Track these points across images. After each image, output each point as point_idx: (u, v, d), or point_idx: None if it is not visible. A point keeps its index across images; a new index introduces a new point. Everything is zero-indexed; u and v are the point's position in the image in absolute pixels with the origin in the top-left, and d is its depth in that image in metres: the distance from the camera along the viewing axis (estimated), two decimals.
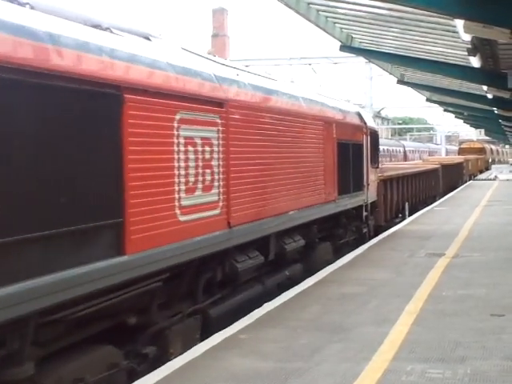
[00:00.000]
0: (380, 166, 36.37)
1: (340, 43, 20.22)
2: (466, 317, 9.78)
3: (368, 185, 19.00)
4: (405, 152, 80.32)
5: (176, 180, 8.44)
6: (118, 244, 7.23)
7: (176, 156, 8.43)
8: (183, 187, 8.58)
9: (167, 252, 8.07)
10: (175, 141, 8.43)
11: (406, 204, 27.43)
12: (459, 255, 15.47)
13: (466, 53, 15.52)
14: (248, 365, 7.76)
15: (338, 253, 16.32)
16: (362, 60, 39.30)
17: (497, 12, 9.72)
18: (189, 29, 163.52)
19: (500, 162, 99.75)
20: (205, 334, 9.37)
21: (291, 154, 12.57)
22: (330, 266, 14.41)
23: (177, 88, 8.55)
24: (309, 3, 16.16)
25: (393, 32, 17.56)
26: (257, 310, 10.41)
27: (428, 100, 39.08)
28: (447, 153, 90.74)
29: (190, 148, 8.79)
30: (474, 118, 47.18)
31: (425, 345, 8.36)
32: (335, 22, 18.53)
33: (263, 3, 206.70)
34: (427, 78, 27.55)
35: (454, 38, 15.51)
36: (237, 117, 10.24)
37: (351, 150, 17.13)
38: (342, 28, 19.23)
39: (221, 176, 9.64)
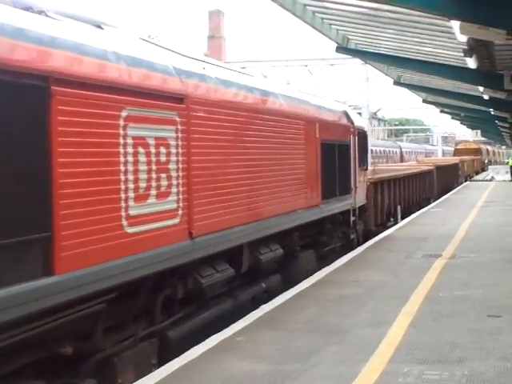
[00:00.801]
0: (373, 167, 36.20)
1: (336, 45, 20.22)
2: (463, 318, 9.77)
3: (356, 188, 18.04)
4: (401, 153, 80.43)
5: (122, 186, 7.35)
6: (46, 262, 6.21)
7: (122, 159, 7.36)
8: (132, 194, 7.51)
9: (111, 269, 7.02)
10: (121, 141, 7.35)
11: (399, 207, 26.61)
12: (456, 256, 15.47)
13: (462, 54, 15.53)
14: (245, 367, 7.75)
15: (323, 261, 15.33)
16: (358, 61, 39.31)
17: (492, 13, 9.73)
18: (185, 31, 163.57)
19: (496, 163, 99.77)
20: (163, 359, 8.42)
21: (267, 156, 11.59)
22: (326, 268, 14.41)
23: (123, 81, 7.46)
24: (305, 5, 16.16)
25: (389, 33, 17.57)
26: (253, 312, 10.40)
27: (424, 101, 39.13)
28: (444, 154, 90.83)
29: (141, 149, 7.74)
30: (470, 119, 47.25)
31: (422, 346, 8.35)
32: (331, 24, 18.54)
33: (259, 5, 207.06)
34: (423, 79, 27.59)
35: (450, 40, 15.52)
36: (200, 114, 9.22)
37: (337, 151, 16.14)
38: (338, 29, 19.25)
39: (180, 181, 8.59)
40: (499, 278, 12.77)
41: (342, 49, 20.62)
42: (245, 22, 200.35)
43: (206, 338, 8.96)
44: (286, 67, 47.23)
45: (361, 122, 20.14)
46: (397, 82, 29.34)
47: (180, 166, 8.61)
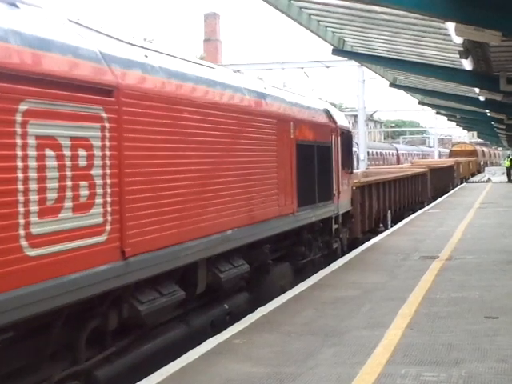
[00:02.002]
0: (365, 169, 35.83)
1: (332, 47, 20.24)
2: (460, 319, 9.77)
3: (339, 193, 16.64)
4: (398, 155, 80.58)
5: (20, 198, 5.97)
6: None
7: (19, 164, 5.99)
8: (35, 208, 6.13)
9: (2, 304, 5.73)
10: (18, 142, 5.99)
11: (388, 213, 25.37)
12: (453, 258, 15.48)
13: (458, 55, 15.55)
14: (242, 370, 7.74)
15: (301, 274, 14.10)
16: (354, 63, 39.34)
17: (487, 15, 9.75)
18: (181, 34, 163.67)
19: (492, 165, 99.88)
20: None
21: (230, 159, 10.36)
22: (323, 270, 14.39)
23: (24, 68, 6.14)
24: (300, 7, 16.17)
25: (385, 35, 17.59)
26: (250, 315, 10.38)
27: (420, 103, 39.15)
28: (440, 155, 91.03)
29: (50, 152, 6.38)
30: (466, 121, 47.26)
31: (419, 348, 8.35)
32: (327, 26, 18.55)
33: (255, 8, 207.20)
34: (419, 81, 27.60)
35: (446, 41, 15.54)
36: (138, 110, 7.86)
37: (316, 152, 14.74)
38: (333, 32, 19.26)
39: (109, 190, 7.19)
40: (496, 279, 12.77)
41: (338, 51, 20.63)
42: (241, 24, 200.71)
43: (150, 373, 7.74)
44: (282, 70, 47.23)
45: (344, 121, 18.66)
46: (393, 84, 29.37)
47: (108, 171, 7.21)
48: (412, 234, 20.27)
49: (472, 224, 22.66)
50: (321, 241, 15.78)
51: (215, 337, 9.14)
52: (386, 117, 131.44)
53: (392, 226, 23.61)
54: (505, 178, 53.39)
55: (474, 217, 25.23)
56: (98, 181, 7.09)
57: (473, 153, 78.69)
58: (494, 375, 7.28)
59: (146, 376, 7.60)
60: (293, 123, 13.27)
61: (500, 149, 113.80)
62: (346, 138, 17.84)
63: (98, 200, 7.07)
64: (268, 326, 9.75)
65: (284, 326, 9.72)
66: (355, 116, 74.30)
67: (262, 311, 10.61)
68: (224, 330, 9.49)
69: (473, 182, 55.77)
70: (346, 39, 20.13)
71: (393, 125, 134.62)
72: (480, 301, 10.96)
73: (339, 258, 16.33)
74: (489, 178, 58.24)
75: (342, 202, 17.06)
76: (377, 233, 21.91)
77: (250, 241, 11.24)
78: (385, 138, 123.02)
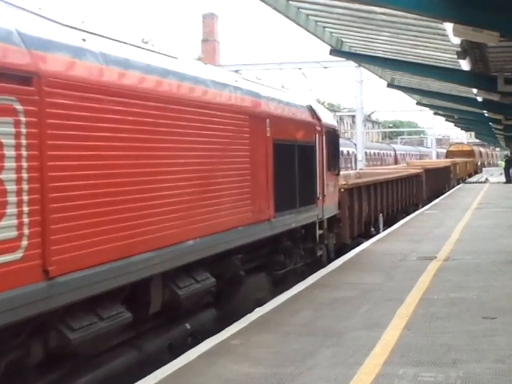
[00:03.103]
0: (358, 170, 35.45)
1: (330, 47, 20.25)
2: (458, 320, 9.77)
3: (324, 196, 15.41)
4: (396, 156, 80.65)
5: None
6: None
7: None
8: None
9: None
10: None
11: (380, 216, 24.15)
12: (451, 258, 15.48)
13: (456, 56, 15.57)
14: (241, 370, 7.74)
15: (281, 285, 13.00)
16: (352, 64, 39.38)
17: (485, 15, 9.75)
18: (179, 34, 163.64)
19: (490, 165, 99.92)
20: None
21: (188, 160, 9.12)
22: (321, 271, 14.39)
23: None
24: (298, 8, 16.18)
25: (383, 36, 17.60)
26: (249, 315, 10.38)
27: (418, 103, 39.21)
28: (438, 156, 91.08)
29: None
30: (464, 121, 47.33)
31: (417, 348, 8.35)
32: (325, 27, 18.56)
33: (253, 8, 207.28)
34: (417, 82, 27.64)
35: (444, 42, 15.55)
36: (66, 102, 6.67)
37: (297, 152, 13.54)
38: (331, 32, 19.27)
39: (25, 197, 6.07)
40: (494, 279, 12.78)
41: (336, 51, 20.64)
42: (239, 25, 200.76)
43: None
44: (279, 70, 47.29)
45: (330, 118, 17.46)
46: (391, 85, 29.39)
47: (25, 175, 6.08)
48: (409, 235, 20.26)
49: (470, 225, 22.67)
50: (303, 248, 14.61)
51: (213, 337, 9.13)
52: (383, 117, 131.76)
53: (384, 230, 22.77)
54: (503, 178, 53.41)
55: (472, 217, 25.23)
56: (11, 186, 5.91)
57: (470, 153, 78.09)
58: (491, 376, 7.28)
59: None
60: (269, 120, 12.12)
61: (498, 149, 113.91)
62: (332, 137, 16.67)
63: (11, 210, 5.91)
64: (266, 326, 9.74)
65: (282, 326, 9.72)
66: (353, 116, 74.47)
67: (260, 311, 10.61)
68: (184, 352, 8.53)
69: (470, 183, 55.79)
70: (344, 40, 20.15)
71: (391, 125, 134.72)
72: (478, 301, 10.96)
73: (325, 265, 15.27)
74: (486, 179, 58.26)
75: (328, 205, 15.88)
76: (369, 237, 20.96)
77: (216, 251, 10.03)
78: (383, 139, 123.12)
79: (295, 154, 13.46)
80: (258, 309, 10.80)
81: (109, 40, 8.01)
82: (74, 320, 6.92)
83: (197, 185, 9.32)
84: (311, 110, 15.23)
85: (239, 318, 10.08)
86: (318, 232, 15.28)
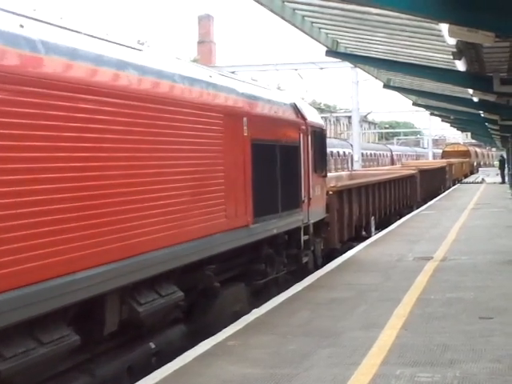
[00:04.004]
0: (351, 172, 35.05)
1: (326, 48, 20.24)
2: (455, 320, 9.79)
3: (309, 199, 14.57)
4: (392, 156, 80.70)
5: None
6: None
7: None
8: None
9: None
10: None
11: (372, 219, 23.34)
12: (447, 259, 15.50)
13: (452, 56, 15.57)
14: (237, 371, 7.75)
15: (261, 296, 12.21)
16: (348, 65, 39.40)
17: (481, 16, 9.75)
18: (175, 36, 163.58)
19: (486, 165, 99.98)
20: None
21: (149, 162, 8.31)
22: (318, 271, 14.40)
23: None
24: (294, 9, 16.17)
25: (378, 37, 17.59)
26: (246, 316, 10.39)
27: (414, 104, 39.17)
28: (434, 156, 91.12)
29: None
30: (460, 122, 47.28)
31: (414, 349, 8.36)
32: (321, 28, 18.55)
33: (249, 9, 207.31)
34: (413, 82, 27.63)
35: (439, 42, 15.54)
36: None
37: (279, 153, 12.74)
38: (327, 33, 19.25)
39: None
40: (490, 280, 12.80)
41: (332, 52, 20.61)
42: (235, 26, 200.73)
43: None
44: (276, 71, 47.28)
45: (316, 117, 16.60)
46: (386, 85, 29.37)
47: None
48: (406, 235, 20.30)
49: (466, 225, 22.71)
50: (286, 255, 13.76)
51: (210, 339, 9.14)
52: (380, 118, 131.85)
53: (376, 233, 22.16)
54: (499, 178, 53.46)
55: (469, 218, 25.27)
56: None
57: (466, 153, 77.79)
58: (488, 376, 7.30)
59: None
60: (247, 119, 11.31)
61: (494, 149, 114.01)
62: (319, 136, 15.83)
63: None
64: (263, 327, 9.75)
65: (279, 327, 9.72)
66: (349, 117, 74.48)
67: (256, 313, 10.62)
68: (147, 374, 7.85)
69: (467, 183, 55.83)
70: (339, 41, 20.13)
71: (387, 126, 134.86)
72: (475, 301, 10.98)
73: (312, 272, 14.53)
74: (483, 179, 58.33)
75: (314, 209, 15.04)
76: (361, 240, 20.34)
77: (183, 263, 9.17)
78: (379, 139, 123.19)
79: (277, 155, 12.71)
80: (254, 310, 10.81)
81: (55, 28, 7.21)
82: (7, 348, 6.10)
83: (161, 189, 8.54)
84: (295, 108, 14.44)
85: (214, 333, 9.39)
86: (303, 238, 14.37)
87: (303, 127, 14.46)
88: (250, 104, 11.65)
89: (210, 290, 10.40)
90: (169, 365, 8.08)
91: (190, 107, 9.38)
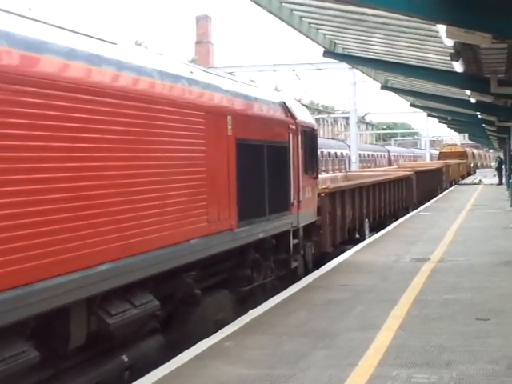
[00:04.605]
0: (346, 173, 34.75)
1: (323, 49, 20.25)
2: (452, 321, 9.79)
3: (299, 202, 13.97)
4: (389, 157, 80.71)
5: None
6: None
7: None
8: None
9: None
10: None
11: (366, 221, 22.71)
12: (444, 260, 15.51)
13: (449, 58, 15.59)
14: (234, 372, 7.74)
15: (247, 303, 11.67)
16: (345, 66, 39.40)
17: (478, 17, 9.76)
18: (173, 36, 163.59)
19: (483, 167, 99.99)
20: None
21: (122, 163, 7.78)
22: (315, 272, 14.38)
23: None
24: (292, 9, 16.18)
25: (376, 38, 17.61)
26: (242, 317, 10.38)
27: (412, 105, 39.22)
28: (432, 157, 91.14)
29: None
30: (457, 123, 47.36)
31: (410, 350, 8.36)
32: (318, 28, 18.56)
33: (247, 10, 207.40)
34: (411, 84, 27.65)
35: (437, 43, 15.57)
36: None
37: (266, 154, 12.18)
38: (325, 34, 19.26)
39: None
40: (487, 281, 12.81)
41: (330, 53, 20.63)
42: (232, 27, 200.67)
43: None
44: (273, 72, 47.31)
45: (307, 116, 15.96)
46: (384, 86, 29.40)
47: None
48: (403, 236, 20.29)
49: (464, 226, 22.71)
50: (274, 260, 13.19)
51: (206, 339, 9.12)
52: (377, 119, 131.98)
53: (370, 236, 21.68)
54: (496, 180, 53.49)
55: (466, 219, 25.27)
56: None
57: (463, 155, 77.49)
58: (485, 377, 7.29)
59: None
60: (231, 117, 10.76)
61: (491, 151, 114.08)
62: (310, 136, 15.19)
63: None
64: (260, 327, 9.75)
65: (276, 327, 9.72)
66: (347, 118, 74.51)
67: (253, 313, 10.61)
68: None
69: (464, 185, 55.87)
70: (337, 41, 20.14)
71: (384, 127, 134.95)
72: (471, 303, 10.98)
73: (301, 277, 14.02)
74: (480, 180, 58.37)
75: (304, 212, 14.47)
76: (355, 243, 19.81)
77: (159, 270, 8.60)
78: (376, 140, 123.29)
79: (264, 155, 12.12)
80: (251, 311, 10.79)
81: (17, 17, 6.69)
82: None
83: (134, 192, 7.95)
84: (284, 106, 13.85)
85: (194, 343, 8.95)
86: (293, 241, 13.88)
87: (293, 127, 13.92)
88: (234, 102, 11.11)
89: (191, 298, 9.86)
90: (165, 365, 8.07)
91: (168, 105, 8.85)
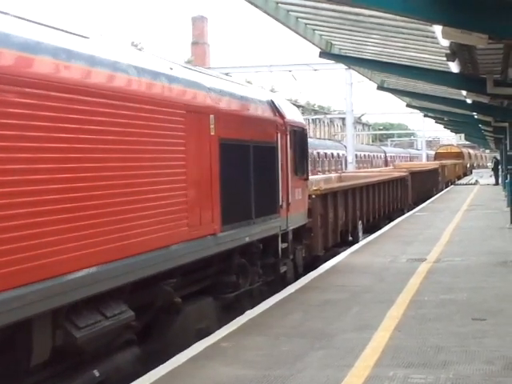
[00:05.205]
0: (340, 174, 34.37)
1: (320, 50, 20.25)
2: (448, 321, 9.80)
3: (288, 204, 13.52)
4: (386, 158, 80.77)
5: None
6: None
7: None
8: None
9: None
10: None
11: (359, 223, 22.26)
12: (441, 260, 15.52)
13: (445, 58, 15.60)
14: (231, 373, 7.74)
15: (233, 310, 11.21)
16: (342, 66, 39.42)
17: (474, 18, 9.77)
18: (169, 37, 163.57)
19: (479, 167, 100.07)
20: None
21: (92, 164, 7.28)
22: (311, 273, 14.38)
23: None
24: (288, 10, 16.18)
25: (372, 38, 17.61)
26: (239, 318, 10.37)
27: (408, 106, 39.22)
28: (428, 158, 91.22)
29: None
30: (454, 123, 47.37)
31: (407, 350, 8.36)
32: (315, 29, 18.56)
33: (243, 11, 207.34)
34: (407, 84, 27.66)
35: (433, 44, 15.57)
36: None
37: (253, 154, 11.72)
38: (321, 35, 19.26)
39: None
40: (484, 281, 12.82)
41: (326, 54, 20.61)
42: (229, 27, 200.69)
43: None
44: (270, 73, 47.33)
45: (296, 115, 15.47)
46: (380, 87, 29.40)
47: None
48: (399, 237, 20.32)
49: (460, 226, 22.73)
50: (262, 265, 12.70)
51: (203, 340, 9.12)
52: (374, 119, 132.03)
53: (363, 238, 21.22)
54: (493, 180, 53.55)
55: (462, 219, 25.30)
56: None
57: (459, 155, 77.28)
58: (481, 377, 7.30)
59: None
60: (214, 116, 10.28)
61: (487, 151, 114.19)
62: (299, 136, 14.72)
63: None
64: (256, 328, 9.74)
65: (272, 328, 9.72)
66: (343, 119, 74.55)
67: (249, 314, 10.61)
68: None
69: (460, 185, 55.91)
70: (333, 42, 20.14)
71: (381, 127, 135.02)
72: (468, 303, 10.99)
73: (291, 282, 13.57)
74: (476, 181, 58.42)
75: (294, 214, 14.00)
76: (348, 245, 19.55)
77: (134, 278, 8.09)
78: (373, 141, 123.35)
79: (250, 156, 11.66)
80: (247, 312, 10.79)
81: None
82: None
83: (106, 195, 7.50)
84: (272, 105, 13.39)
85: (175, 353, 8.55)
86: (282, 245, 13.44)
87: (281, 126, 13.48)
88: (218, 100, 10.62)
89: (171, 307, 9.41)
90: (161, 367, 8.06)
91: (144, 103, 8.36)
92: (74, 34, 7.71)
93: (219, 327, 9.91)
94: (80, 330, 7.15)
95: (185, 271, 9.64)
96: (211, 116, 10.21)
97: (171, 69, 9.56)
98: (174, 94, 9.21)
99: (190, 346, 8.88)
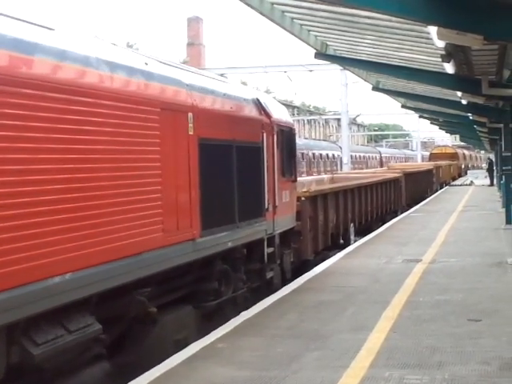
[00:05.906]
0: (332, 175, 34.05)
1: (315, 51, 20.25)
2: (444, 322, 9.80)
3: (275, 207, 13.01)
4: (381, 158, 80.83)
5: None
6: None
7: None
8: None
9: None
10: None
11: (351, 226, 21.71)
12: (436, 261, 15.52)
13: (440, 59, 15.61)
14: (226, 373, 7.73)
15: (216, 318, 10.67)
16: (337, 67, 39.44)
17: (469, 19, 9.78)
18: (164, 38, 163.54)
19: (474, 168, 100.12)
20: None
21: (52, 166, 6.74)
22: (306, 274, 14.37)
23: None
24: (283, 11, 16.18)
25: (367, 39, 17.62)
26: (234, 319, 10.36)
27: (403, 106, 39.25)
28: (423, 159, 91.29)
29: None
30: (449, 124, 47.43)
31: (402, 351, 8.36)
32: (310, 30, 18.56)
33: (238, 12, 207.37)
34: (402, 85, 27.69)
35: (428, 45, 15.58)
36: None
37: (236, 155, 11.16)
38: (316, 36, 19.27)
39: None
40: (479, 282, 12.83)
41: (321, 55, 20.62)
42: (224, 28, 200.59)
43: None
44: (265, 73, 47.38)
45: (284, 114, 14.88)
46: (375, 88, 29.42)
47: None
48: (394, 238, 20.32)
49: (455, 227, 22.75)
50: (246, 271, 12.18)
51: (198, 341, 9.11)
52: (369, 120, 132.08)
53: (355, 241, 20.75)
54: (487, 181, 53.60)
55: (457, 220, 25.32)
56: None
57: (454, 156, 77.04)
58: (477, 377, 7.31)
59: None
60: (193, 114, 9.70)
61: (482, 152, 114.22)
62: (287, 136, 14.19)
63: None
64: (252, 329, 9.74)
65: (268, 329, 9.71)
66: (338, 120, 74.55)
67: (245, 315, 10.60)
68: None
69: (455, 186, 55.96)
70: (328, 43, 20.14)
71: (376, 128, 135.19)
72: (463, 303, 11.00)
73: (278, 288, 13.04)
74: (471, 181, 58.48)
75: (282, 217, 13.47)
76: (340, 248, 19.14)
77: (102, 288, 7.55)
78: (368, 142, 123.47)
79: (233, 157, 11.10)
80: (243, 313, 10.78)
81: None
82: None
83: (69, 199, 6.95)
84: (258, 104, 12.81)
85: (150, 366, 8.04)
86: (268, 250, 12.88)
87: (268, 126, 12.90)
88: (197, 97, 9.98)
89: (145, 317, 8.86)
90: (156, 368, 8.05)
91: (114, 99, 7.81)
92: (37, 25, 7.14)
93: (200, 337, 9.42)
94: (38, 347, 6.60)
95: (161, 279, 9.12)
96: (189, 114, 9.64)
97: (146, 64, 9.02)
98: (147, 90, 8.66)
99: (167, 357, 8.42)
